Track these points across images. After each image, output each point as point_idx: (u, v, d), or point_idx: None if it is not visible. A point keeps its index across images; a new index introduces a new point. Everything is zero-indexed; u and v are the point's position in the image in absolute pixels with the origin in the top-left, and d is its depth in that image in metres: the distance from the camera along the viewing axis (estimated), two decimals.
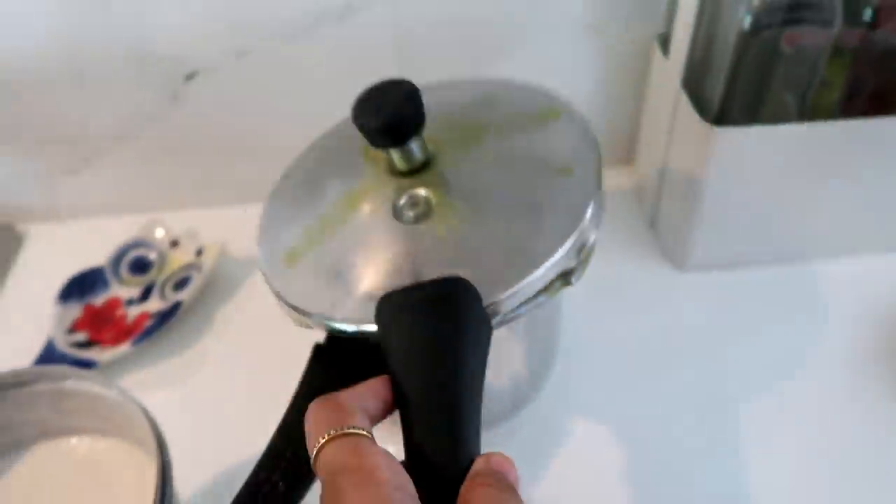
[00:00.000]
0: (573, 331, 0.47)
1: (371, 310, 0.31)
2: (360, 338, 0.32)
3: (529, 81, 0.41)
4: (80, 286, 0.52)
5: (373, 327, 0.31)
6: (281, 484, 0.29)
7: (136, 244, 0.54)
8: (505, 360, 0.41)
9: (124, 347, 0.48)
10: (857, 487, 0.40)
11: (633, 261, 0.53)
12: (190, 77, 0.52)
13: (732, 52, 0.42)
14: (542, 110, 0.38)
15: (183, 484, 0.35)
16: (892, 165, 0.46)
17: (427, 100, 0.34)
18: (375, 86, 0.34)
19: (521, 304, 0.31)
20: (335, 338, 0.33)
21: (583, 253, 0.33)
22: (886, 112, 0.44)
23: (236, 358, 0.49)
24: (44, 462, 0.34)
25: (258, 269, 0.36)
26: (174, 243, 0.55)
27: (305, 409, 0.30)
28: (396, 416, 0.29)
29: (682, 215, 0.50)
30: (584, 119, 0.37)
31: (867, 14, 0.41)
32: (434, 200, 0.34)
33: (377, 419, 0.27)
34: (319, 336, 0.33)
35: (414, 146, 0.34)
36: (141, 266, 0.54)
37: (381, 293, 0.31)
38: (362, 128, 0.33)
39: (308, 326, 0.33)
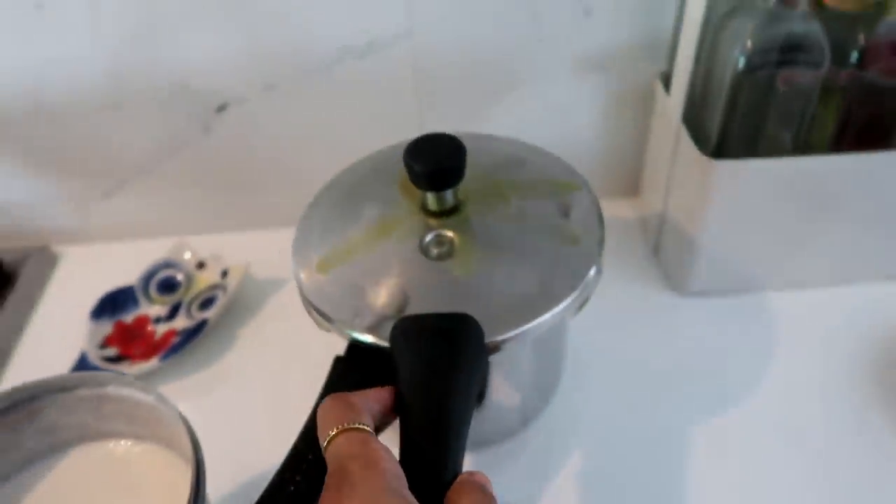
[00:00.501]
0: (579, 351, 0.50)
1: (388, 327, 0.34)
2: (375, 350, 0.35)
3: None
4: (112, 304, 0.55)
5: (386, 343, 0.34)
6: (304, 484, 0.32)
7: (165, 265, 0.57)
8: (514, 378, 0.43)
9: (153, 362, 0.50)
10: None
11: (637, 286, 0.55)
12: (221, 109, 0.56)
13: (728, 90, 0.45)
14: (562, 182, 0.42)
15: (209, 488, 0.37)
16: (882, 198, 0.49)
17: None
18: (429, 135, 0.38)
19: (520, 345, 0.35)
20: (354, 350, 0.37)
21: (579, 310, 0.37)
22: (876, 147, 0.46)
23: (258, 372, 0.52)
24: (83, 464, 0.37)
25: (291, 275, 0.39)
26: (200, 265, 0.58)
27: None
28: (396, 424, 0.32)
29: (682, 243, 0.52)
30: (595, 197, 0.41)
31: (854, 56, 0.43)
32: (458, 243, 0.38)
33: (379, 422, 0.30)
34: (337, 349, 0.36)
35: (449, 193, 0.38)
36: (169, 286, 0.57)
37: (398, 315, 0.35)
38: (411, 169, 0.37)
39: (329, 331, 0.36)
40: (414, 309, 0.35)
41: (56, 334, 0.56)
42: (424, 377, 0.32)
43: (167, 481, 0.35)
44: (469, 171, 0.38)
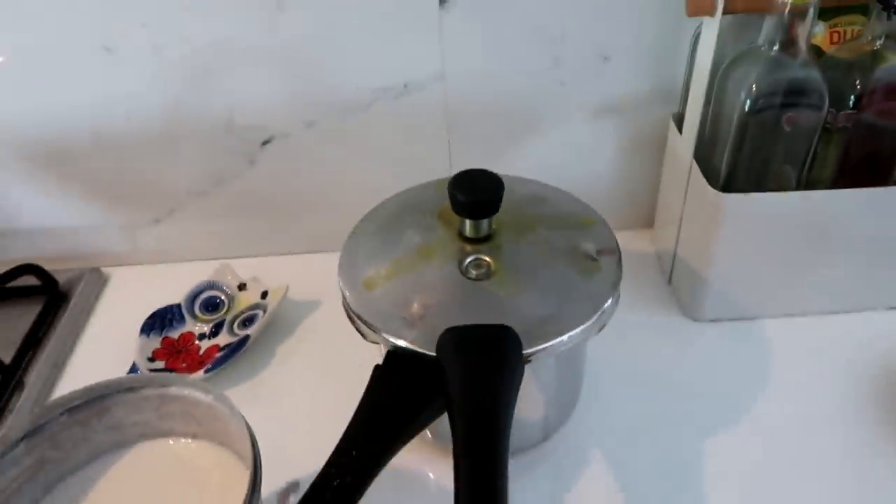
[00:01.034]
0: (597, 371, 0.53)
1: (430, 338, 0.39)
2: (414, 359, 0.39)
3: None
4: (161, 320, 0.59)
5: (430, 352, 0.38)
6: (348, 478, 0.35)
7: (209, 286, 0.61)
8: (537, 395, 0.47)
9: (198, 375, 0.54)
10: None
11: (651, 312, 0.59)
12: (266, 143, 0.61)
13: (735, 130, 0.49)
14: (583, 217, 0.47)
15: None
16: (881, 231, 0.52)
17: None
18: (472, 170, 0.44)
19: (548, 357, 0.40)
20: (392, 360, 0.40)
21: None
22: (874, 183, 0.50)
23: (297, 384, 0.55)
24: (145, 459, 0.40)
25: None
26: (242, 286, 0.62)
27: (368, 417, 0.38)
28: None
29: (694, 272, 0.56)
30: (611, 230, 0.46)
31: (851, 100, 0.47)
32: (494, 266, 0.43)
33: None
34: (371, 365, 0.40)
35: (485, 222, 0.43)
36: (212, 306, 0.61)
37: (443, 327, 0.38)
38: (454, 198, 0.42)
39: (375, 342, 0.40)
40: (455, 322, 0.39)
41: (107, 348, 0.60)
42: (474, 383, 0.37)
43: (222, 477, 0.39)
44: (501, 205, 0.43)
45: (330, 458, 0.36)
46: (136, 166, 0.62)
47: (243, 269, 0.63)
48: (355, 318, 0.42)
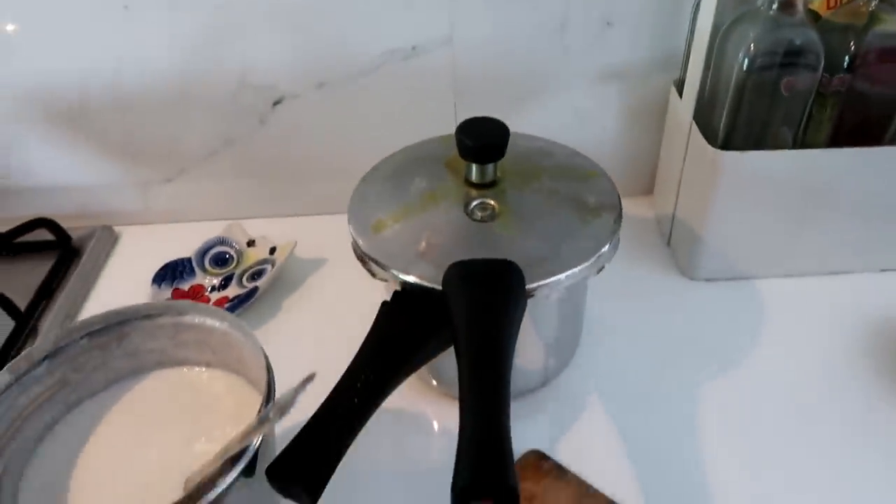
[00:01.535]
0: (596, 324, 0.54)
1: (436, 273, 0.40)
2: (421, 294, 0.40)
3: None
4: (172, 272, 0.61)
5: (436, 286, 0.40)
6: (356, 400, 0.37)
7: (219, 242, 0.63)
8: (537, 339, 0.48)
9: None
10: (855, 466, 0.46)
11: (650, 272, 0.61)
12: (277, 103, 0.62)
13: (733, 90, 0.50)
14: (585, 168, 0.49)
15: None
16: (874, 192, 0.54)
17: None
18: (478, 118, 0.46)
19: (550, 293, 0.41)
20: (399, 296, 0.42)
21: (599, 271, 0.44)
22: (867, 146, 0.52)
23: (303, 336, 0.56)
24: (160, 386, 0.42)
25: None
26: (251, 243, 0.63)
27: (377, 347, 0.39)
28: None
29: (692, 233, 0.57)
30: (613, 182, 0.47)
31: (846, 62, 0.49)
32: (499, 209, 0.44)
33: None
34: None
35: (490, 167, 0.45)
36: (222, 261, 0.62)
37: (448, 262, 0.40)
38: (461, 143, 0.44)
39: (385, 280, 0.42)
40: (463, 257, 0.40)
41: (118, 300, 0.59)
42: (479, 314, 0.38)
43: (235, 402, 0.40)
44: (507, 155, 0.45)
45: (339, 382, 0.37)
46: (149, 125, 0.64)
47: (252, 229, 0.64)
48: (365, 259, 0.43)
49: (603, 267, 0.44)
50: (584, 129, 0.64)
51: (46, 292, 0.61)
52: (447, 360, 0.38)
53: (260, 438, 0.33)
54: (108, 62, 0.60)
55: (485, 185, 0.46)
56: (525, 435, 0.47)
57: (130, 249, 0.68)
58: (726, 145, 0.53)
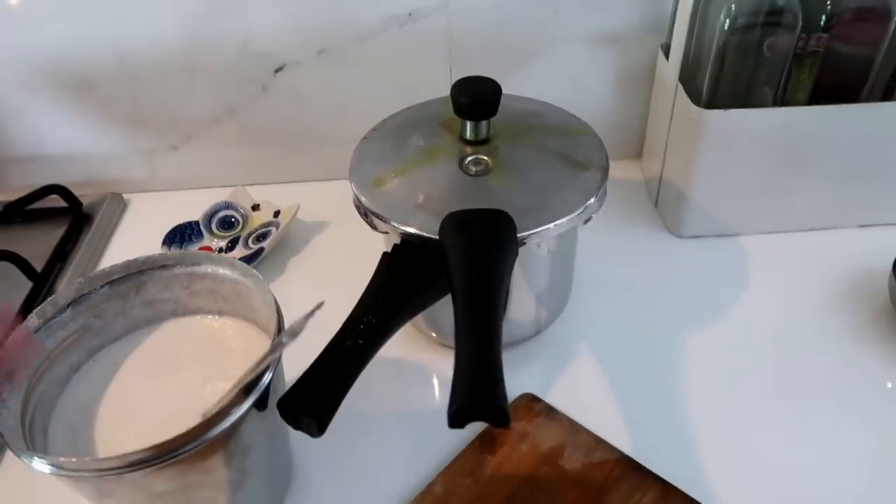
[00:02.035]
0: (586, 277, 0.57)
1: (434, 224, 0.43)
2: (421, 245, 0.43)
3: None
4: (181, 235, 0.63)
5: (434, 236, 0.42)
6: (360, 341, 0.39)
7: (225, 206, 0.65)
8: (529, 292, 0.51)
9: None
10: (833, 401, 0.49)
11: (638, 230, 0.63)
12: (278, 70, 0.65)
13: (716, 50, 0.52)
14: (574, 127, 0.51)
15: None
16: (852, 150, 0.56)
17: None
18: (472, 77, 0.48)
19: (540, 240, 0.44)
20: (399, 248, 0.44)
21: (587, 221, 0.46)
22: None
23: (307, 290, 0.58)
24: (174, 334, 0.44)
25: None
26: (255, 207, 0.66)
27: (378, 293, 0.42)
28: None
29: (678, 192, 0.60)
30: (600, 138, 0.50)
31: (822, 20, 0.51)
32: (492, 164, 0.47)
33: None
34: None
35: (484, 124, 0.47)
36: (228, 224, 0.65)
37: (444, 213, 0.42)
38: (456, 101, 0.46)
39: (385, 232, 0.44)
40: (458, 208, 0.43)
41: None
42: (473, 260, 0.41)
43: (246, 346, 0.43)
44: (499, 114, 0.47)
45: (344, 323, 0.40)
46: (154, 93, 0.66)
47: (256, 195, 0.67)
48: (367, 213, 0.46)
49: (590, 218, 0.46)
50: (576, 95, 0.66)
51: (61, 255, 0.63)
52: (445, 313, 0.40)
53: (272, 371, 0.36)
54: (114, 30, 0.62)
55: (479, 142, 0.48)
56: (519, 380, 0.50)
57: (139, 215, 0.70)
58: (710, 106, 0.55)
